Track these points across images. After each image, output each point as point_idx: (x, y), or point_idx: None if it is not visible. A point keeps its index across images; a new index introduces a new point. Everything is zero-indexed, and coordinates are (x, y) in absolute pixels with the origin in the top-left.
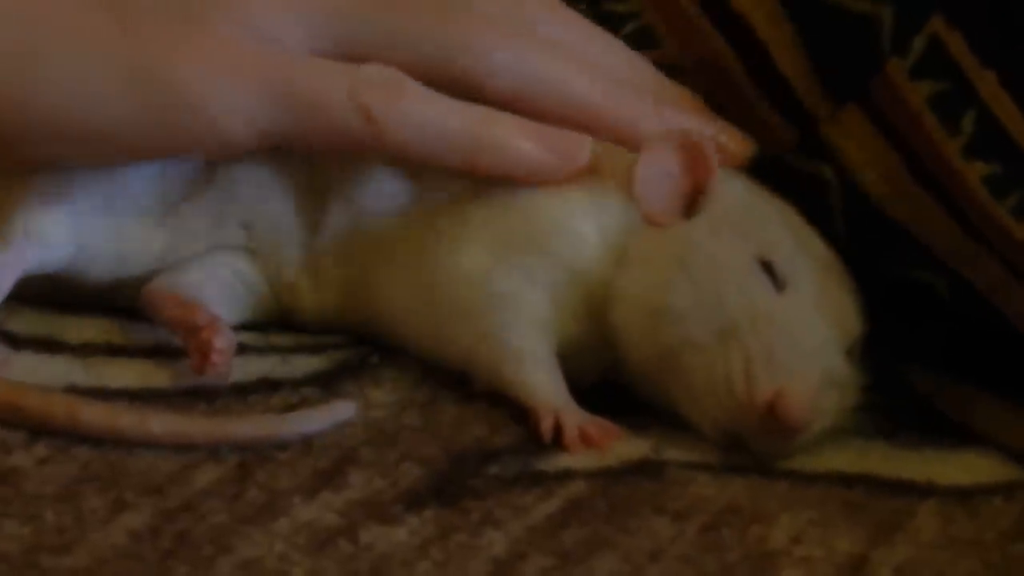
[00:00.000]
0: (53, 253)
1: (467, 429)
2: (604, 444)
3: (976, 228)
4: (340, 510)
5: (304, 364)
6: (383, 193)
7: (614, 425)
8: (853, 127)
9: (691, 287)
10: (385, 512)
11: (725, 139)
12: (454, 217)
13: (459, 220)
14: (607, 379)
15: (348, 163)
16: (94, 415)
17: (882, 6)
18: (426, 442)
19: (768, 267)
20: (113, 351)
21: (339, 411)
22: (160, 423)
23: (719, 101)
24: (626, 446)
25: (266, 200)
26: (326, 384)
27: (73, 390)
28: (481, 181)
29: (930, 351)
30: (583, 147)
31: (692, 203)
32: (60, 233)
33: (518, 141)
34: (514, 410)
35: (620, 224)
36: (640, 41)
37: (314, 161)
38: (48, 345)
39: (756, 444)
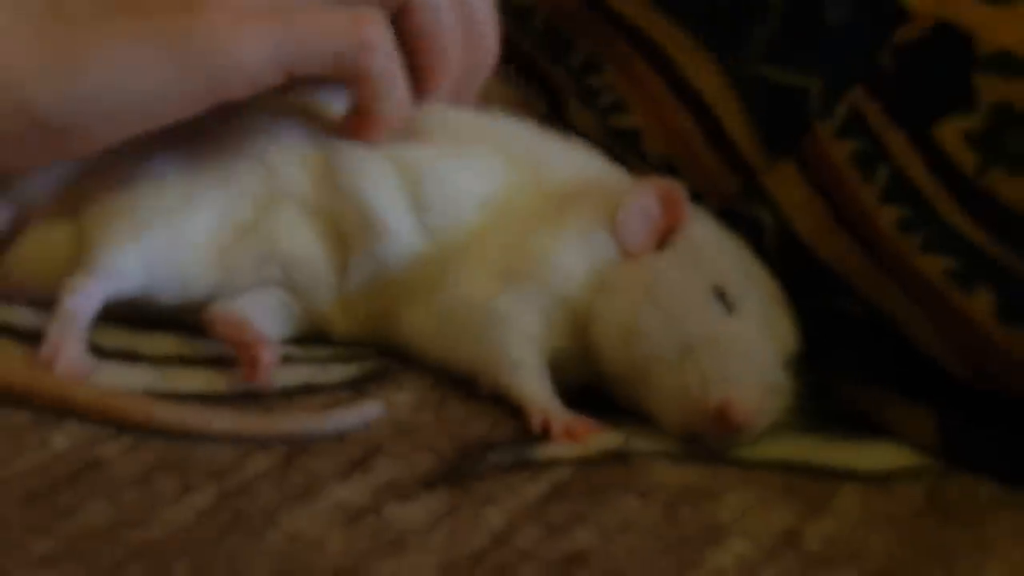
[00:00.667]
0: (128, 283)
1: (472, 425)
2: (584, 437)
3: (887, 263)
4: (368, 491)
5: (339, 372)
6: (399, 242)
7: (592, 421)
8: (787, 177)
9: (656, 311)
10: (405, 492)
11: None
12: (462, 256)
13: (466, 258)
14: (588, 384)
15: (368, 219)
16: (166, 414)
17: (811, 79)
18: (438, 435)
19: (721, 294)
20: (183, 361)
21: (368, 411)
22: (221, 420)
23: (676, 155)
24: (602, 438)
25: (300, 252)
26: (357, 388)
27: (150, 393)
28: (481, 222)
29: (849, 362)
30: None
31: (664, 239)
32: (133, 268)
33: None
34: (511, 409)
35: (603, 256)
36: (612, 107)
37: (339, 218)
38: (129, 356)
39: (709, 440)
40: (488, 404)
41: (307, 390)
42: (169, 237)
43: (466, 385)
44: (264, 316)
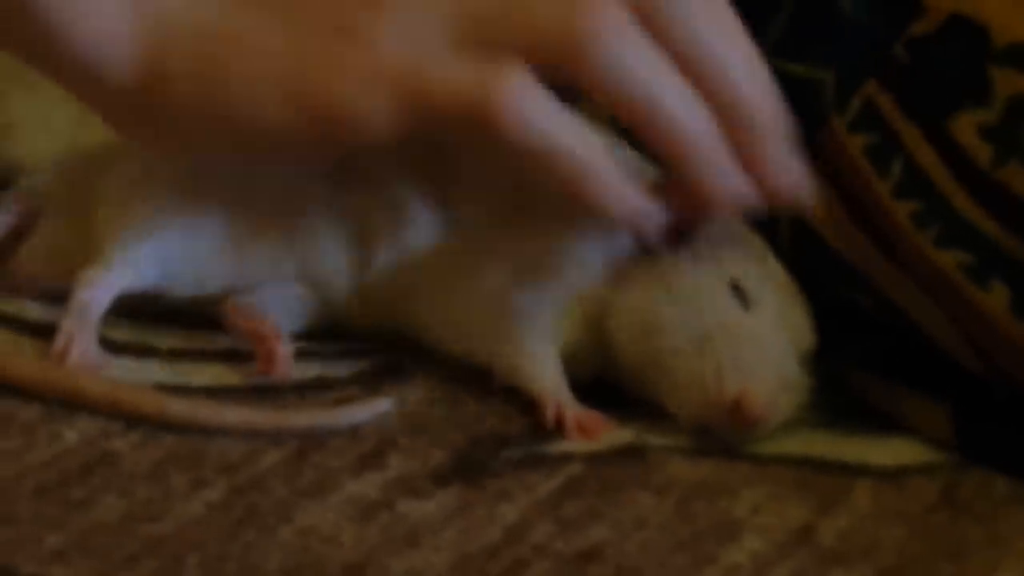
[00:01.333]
0: (143, 277)
1: (484, 420)
2: (597, 432)
3: (901, 257)
4: (381, 486)
5: (351, 367)
6: (423, 235)
7: (605, 416)
8: None
9: (674, 305)
10: (417, 488)
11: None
12: (482, 249)
13: (486, 250)
14: (601, 378)
15: (393, 212)
16: (178, 408)
17: (824, 72)
18: (451, 430)
19: (738, 289)
20: (195, 355)
21: (380, 405)
22: (233, 414)
23: None
24: (615, 434)
25: (317, 249)
26: (369, 383)
27: (162, 387)
28: (503, 217)
29: (863, 356)
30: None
31: (682, 234)
32: (148, 262)
33: (624, 186)
34: (523, 405)
35: (620, 251)
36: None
37: (362, 213)
38: (141, 350)
39: (724, 433)
40: (501, 400)
41: (319, 385)
42: (184, 231)
43: (479, 380)
44: (279, 310)
